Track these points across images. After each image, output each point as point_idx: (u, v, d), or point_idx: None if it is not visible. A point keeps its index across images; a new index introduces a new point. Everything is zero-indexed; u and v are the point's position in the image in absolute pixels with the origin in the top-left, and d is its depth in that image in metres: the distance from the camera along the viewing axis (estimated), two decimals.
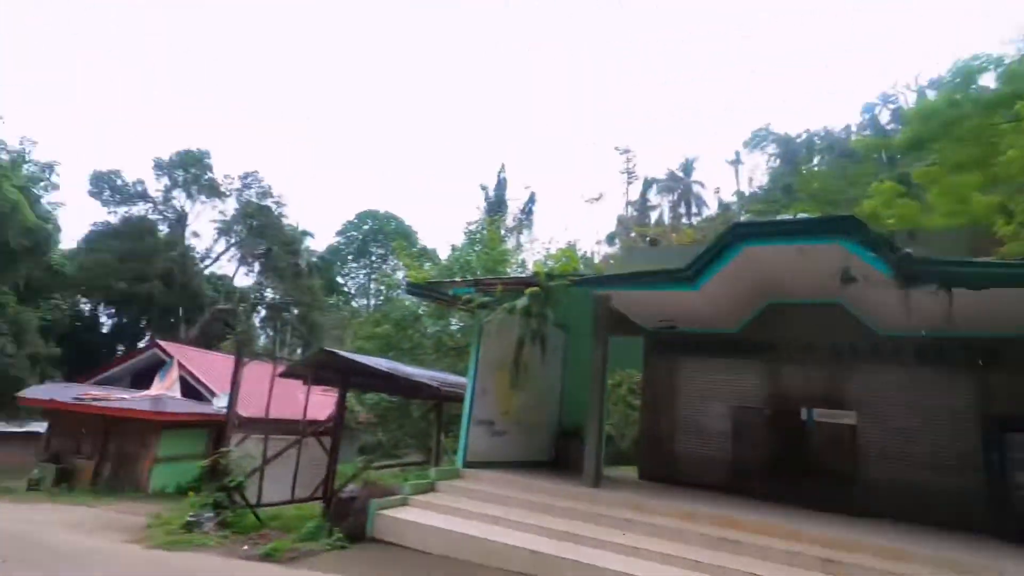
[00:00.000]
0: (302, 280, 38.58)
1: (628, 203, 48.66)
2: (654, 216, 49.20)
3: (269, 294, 40.46)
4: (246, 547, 7.84)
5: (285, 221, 38.69)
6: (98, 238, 33.06)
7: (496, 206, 41.18)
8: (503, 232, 24.34)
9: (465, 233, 20.93)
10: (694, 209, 50.48)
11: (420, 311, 18.12)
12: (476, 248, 19.07)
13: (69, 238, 31.78)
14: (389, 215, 52.53)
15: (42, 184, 27.34)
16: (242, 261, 39.05)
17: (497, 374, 10.37)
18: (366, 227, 52.51)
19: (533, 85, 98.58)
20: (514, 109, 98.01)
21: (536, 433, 11.93)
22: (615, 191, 79.22)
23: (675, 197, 51.74)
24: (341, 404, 11.38)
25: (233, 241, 38.29)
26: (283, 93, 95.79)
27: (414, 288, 11.13)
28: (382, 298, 45.45)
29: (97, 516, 11.10)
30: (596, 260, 29.86)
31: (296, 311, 38.46)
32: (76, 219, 72.12)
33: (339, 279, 51.18)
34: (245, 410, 11.20)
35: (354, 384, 12.13)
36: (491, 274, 15.08)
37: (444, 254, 23.53)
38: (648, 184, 51.17)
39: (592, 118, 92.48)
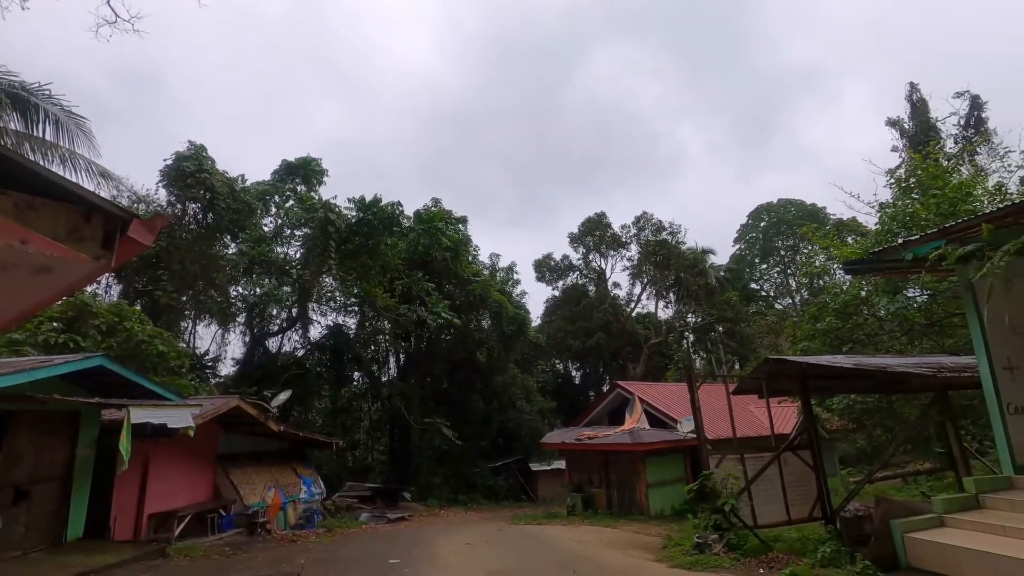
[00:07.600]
0: (716, 297, 38.67)
1: None
2: None
3: (691, 319, 41.89)
4: (761, 570, 7.68)
5: (684, 247, 39.97)
6: (551, 310, 41.64)
7: (921, 136, 32.25)
8: (946, 164, 18.37)
9: (890, 184, 16.86)
10: None
11: (862, 292, 15.27)
12: (914, 197, 15.04)
13: (535, 315, 40.90)
14: (786, 202, 48.01)
15: (510, 282, 36.48)
16: (658, 296, 42.01)
17: (1022, 339, 7.57)
18: (763, 224, 49.22)
19: None
20: None
21: None
22: None
23: None
24: (807, 412, 10.34)
25: (646, 281, 41.81)
26: None
27: (854, 265, 9.45)
28: (806, 292, 40.98)
29: (619, 536, 13.00)
30: None
31: (721, 328, 38.46)
32: (535, 300, 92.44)
33: (753, 286, 48.97)
34: (710, 432, 11.54)
35: (815, 389, 10.93)
36: (951, 219, 11.49)
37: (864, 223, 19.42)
38: None
39: None
